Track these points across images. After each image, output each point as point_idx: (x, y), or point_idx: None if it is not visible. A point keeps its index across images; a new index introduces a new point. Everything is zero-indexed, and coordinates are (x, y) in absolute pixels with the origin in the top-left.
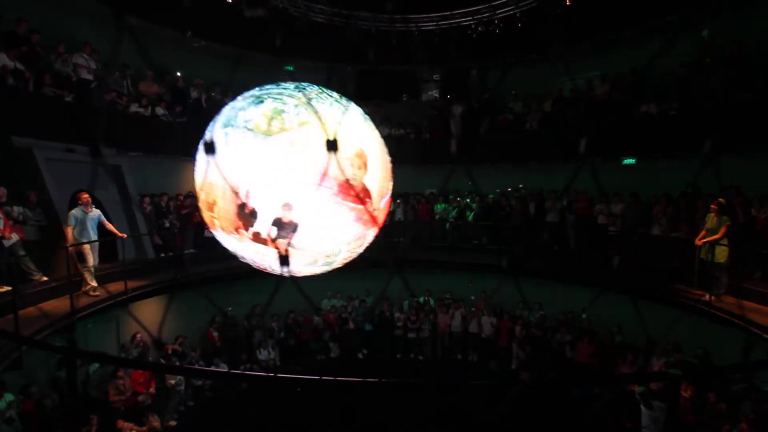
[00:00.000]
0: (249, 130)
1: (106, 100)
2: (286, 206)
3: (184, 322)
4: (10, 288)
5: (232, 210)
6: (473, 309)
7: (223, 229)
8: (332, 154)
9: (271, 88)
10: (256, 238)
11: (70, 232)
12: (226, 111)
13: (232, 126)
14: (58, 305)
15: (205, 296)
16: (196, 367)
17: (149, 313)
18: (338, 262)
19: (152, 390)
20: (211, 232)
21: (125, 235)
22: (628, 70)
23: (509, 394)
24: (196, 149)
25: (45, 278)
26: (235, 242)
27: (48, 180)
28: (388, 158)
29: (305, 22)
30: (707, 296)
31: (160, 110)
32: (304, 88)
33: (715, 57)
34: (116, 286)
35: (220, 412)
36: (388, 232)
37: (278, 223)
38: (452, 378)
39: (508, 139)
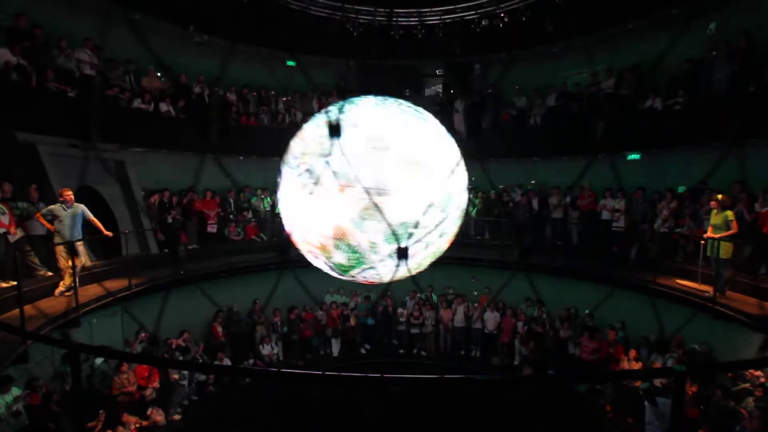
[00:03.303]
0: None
1: (108, 95)
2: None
3: (187, 317)
4: (15, 283)
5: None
6: (476, 305)
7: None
8: (335, 140)
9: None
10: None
11: (40, 218)
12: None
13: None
14: (63, 300)
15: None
16: (203, 362)
17: (153, 308)
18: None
19: (156, 384)
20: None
21: (111, 234)
22: (633, 64)
23: None
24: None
25: (50, 273)
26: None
27: (51, 175)
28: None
29: (307, 17)
30: (712, 292)
31: (164, 106)
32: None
33: (721, 50)
34: (120, 282)
35: (224, 406)
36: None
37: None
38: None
39: (513, 133)
